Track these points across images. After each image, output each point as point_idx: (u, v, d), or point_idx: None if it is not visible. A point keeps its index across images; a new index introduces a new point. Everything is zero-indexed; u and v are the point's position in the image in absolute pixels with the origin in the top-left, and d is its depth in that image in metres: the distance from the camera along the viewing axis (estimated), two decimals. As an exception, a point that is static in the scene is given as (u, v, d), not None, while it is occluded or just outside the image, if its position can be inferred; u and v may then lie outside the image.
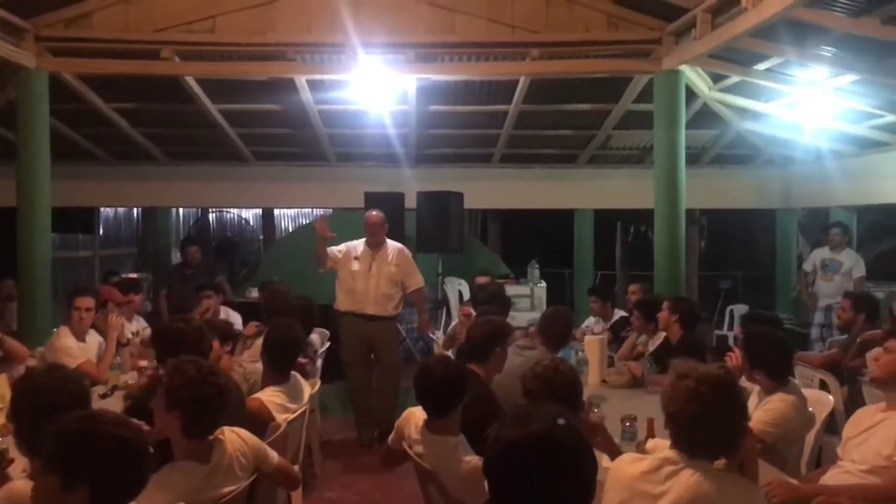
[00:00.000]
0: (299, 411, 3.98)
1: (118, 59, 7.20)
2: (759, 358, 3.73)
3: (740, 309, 11.50)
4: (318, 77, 7.71)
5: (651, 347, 5.87)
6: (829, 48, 6.35)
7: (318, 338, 6.02)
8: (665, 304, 5.48)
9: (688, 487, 2.29)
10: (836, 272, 8.71)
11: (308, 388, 4.28)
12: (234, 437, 2.91)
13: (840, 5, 5.42)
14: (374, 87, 7.92)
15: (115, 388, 4.77)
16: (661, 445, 3.40)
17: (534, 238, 12.83)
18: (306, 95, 8.18)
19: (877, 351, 4.91)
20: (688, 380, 2.36)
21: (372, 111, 8.64)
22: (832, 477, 3.29)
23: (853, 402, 4.87)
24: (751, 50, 6.58)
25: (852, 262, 8.67)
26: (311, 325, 5.75)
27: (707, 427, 2.30)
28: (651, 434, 3.61)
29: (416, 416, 3.38)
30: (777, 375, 3.75)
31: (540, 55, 7.11)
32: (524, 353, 4.44)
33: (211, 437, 2.82)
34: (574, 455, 1.78)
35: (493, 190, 10.32)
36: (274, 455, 3.10)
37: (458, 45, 7.15)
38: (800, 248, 11.44)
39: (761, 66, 7.01)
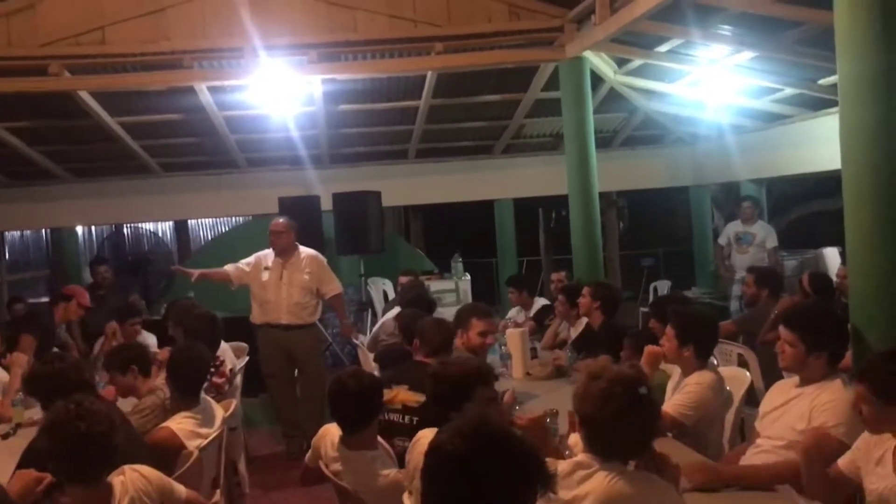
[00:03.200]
0: (213, 435, 3.82)
1: (4, 77, 6.83)
2: (691, 334, 3.75)
3: (663, 285, 11.71)
4: (218, 83, 7.48)
5: (573, 334, 5.88)
6: (726, 27, 6.45)
7: (231, 353, 5.82)
8: (586, 290, 5.48)
9: (603, 489, 2.25)
10: (750, 244, 8.92)
11: (221, 411, 4.11)
12: (135, 477, 2.76)
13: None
14: (279, 90, 7.73)
15: (18, 426, 4.51)
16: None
17: (457, 231, 12.81)
18: (208, 102, 7.93)
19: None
20: (600, 381, 2.32)
21: (278, 114, 8.44)
22: (751, 457, 3.32)
23: (771, 375, 4.96)
24: (651, 33, 6.65)
25: (765, 234, 8.90)
26: (217, 340, 5.56)
27: (621, 429, 2.26)
28: (574, 428, 3.58)
29: (331, 432, 3.28)
30: (705, 352, 3.79)
31: (444, 49, 7.04)
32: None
33: (108, 480, 2.66)
34: (511, 457, 1.79)
35: (410, 186, 10.22)
36: (181, 490, 2.95)
37: (361, 42, 7.03)
38: (715, 223, 11.69)
39: (663, 48, 7.09)
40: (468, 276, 9.65)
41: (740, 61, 7.05)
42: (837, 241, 10.06)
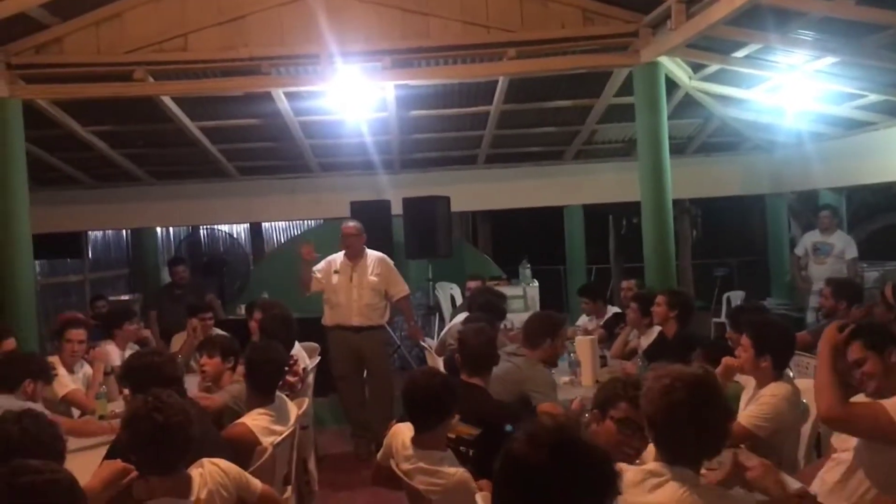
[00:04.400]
0: (287, 432, 3.91)
1: (92, 82, 7.12)
2: (769, 344, 3.69)
3: (736, 295, 11.46)
4: (294, 89, 7.65)
5: (644, 343, 5.82)
6: (806, 32, 6.29)
7: (304, 353, 5.94)
8: (661, 299, 5.42)
9: (674, 502, 2.22)
10: (827, 255, 8.67)
11: (295, 409, 4.20)
12: (213, 470, 2.85)
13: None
14: (353, 96, 7.86)
15: (101, 417, 4.69)
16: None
17: (525, 237, 12.77)
18: (285, 108, 8.11)
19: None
20: (663, 379, 2.30)
21: (352, 120, 8.58)
22: (829, 470, 3.23)
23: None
24: (728, 38, 6.53)
25: (844, 244, 8.63)
26: (292, 340, 5.68)
27: (681, 426, 2.23)
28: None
29: (402, 431, 3.32)
30: (782, 363, 3.74)
31: (517, 54, 7.04)
32: (512, 359, 4.37)
33: (187, 471, 2.75)
34: (589, 468, 1.78)
35: (479, 191, 10.25)
36: (257, 484, 3.03)
37: (434, 49, 7.08)
38: (792, 232, 11.39)
39: (740, 54, 6.96)
40: (536, 283, 9.61)
41: (821, 67, 6.86)
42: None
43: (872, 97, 7.47)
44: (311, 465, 5.56)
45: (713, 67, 7.60)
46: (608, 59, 7.23)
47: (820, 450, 3.95)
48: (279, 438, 3.80)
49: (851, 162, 8.61)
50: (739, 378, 4.01)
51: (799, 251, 8.98)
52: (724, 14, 5.55)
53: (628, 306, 6.31)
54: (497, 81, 7.77)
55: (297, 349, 5.59)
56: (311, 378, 5.83)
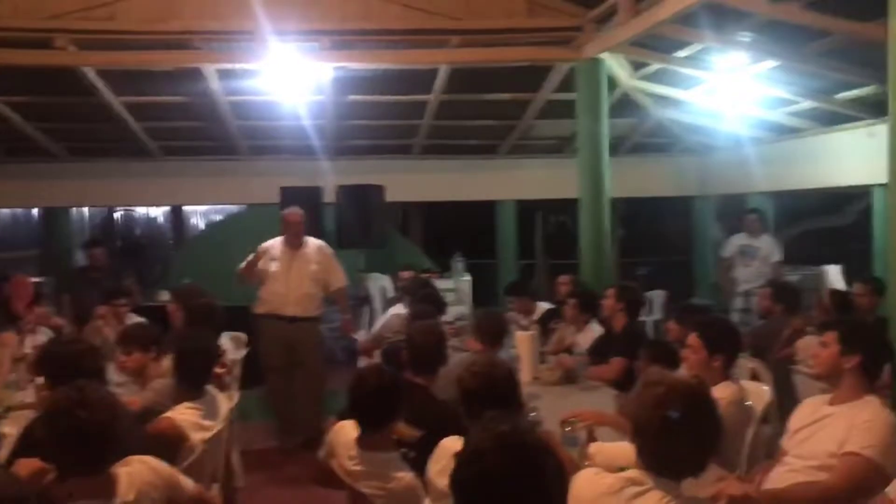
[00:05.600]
0: (217, 428, 3.66)
1: (7, 48, 6.65)
2: (720, 344, 3.65)
3: (658, 295, 11.58)
4: (227, 66, 7.32)
5: (581, 340, 5.76)
6: (749, 34, 6.34)
7: (230, 344, 5.67)
8: (610, 292, 5.37)
9: (657, 513, 2.11)
10: (754, 257, 8.81)
11: (226, 402, 3.96)
12: (142, 469, 2.60)
13: (762, -10, 5.39)
14: (288, 77, 7.57)
15: (8, 409, 4.33)
16: (604, 450, 3.25)
17: (456, 230, 12.67)
18: (215, 86, 7.76)
19: (810, 341, 4.93)
20: (658, 387, 2.19)
21: (286, 102, 8.27)
22: (779, 475, 3.19)
23: (782, 391, 4.85)
24: (672, 37, 6.51)
25: (770, 248, 8.79)
26: (219, 330, 5.40)
27: (675, 438, 2.13)
28: (592, 438, 3.46)
29: (346, 430, 3.14)
30: (732, 363, 3.69)
31: (460, 43, 6.90)
32: (459, 354, 4.23)
33: (112, 471, 2.51)
34: (543, 463, 1.79)
35: (414, 182, 10.06)
36: (189, 484, 2.80)
37: (375, 31, 6.89)
38: (716, 235, 11.57)
39: (682, 53, 6.97)
40: (468, 277, 9.50)
41: (760, 70, 6.93)
42: (838, 258, 10.03)
43: (805, 104, 7.61)
44: (235, 460, 5.29)
45: (653, 67, 7.61)
46: (552, 53, 7.16)
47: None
48: (210, 434, 3.56)
49: (780, 167, 8.77)
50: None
51: (726, 253, 9.11)
52: (673, 12, 5.52)
53: (565, 302, 6.25)
54: (437, 70, 7.60)
55: (223, 339, 5.31)
56: (237, 370, 5.56)
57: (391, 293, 8.80)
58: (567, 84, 7.67)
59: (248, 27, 6.71)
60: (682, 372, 4.15)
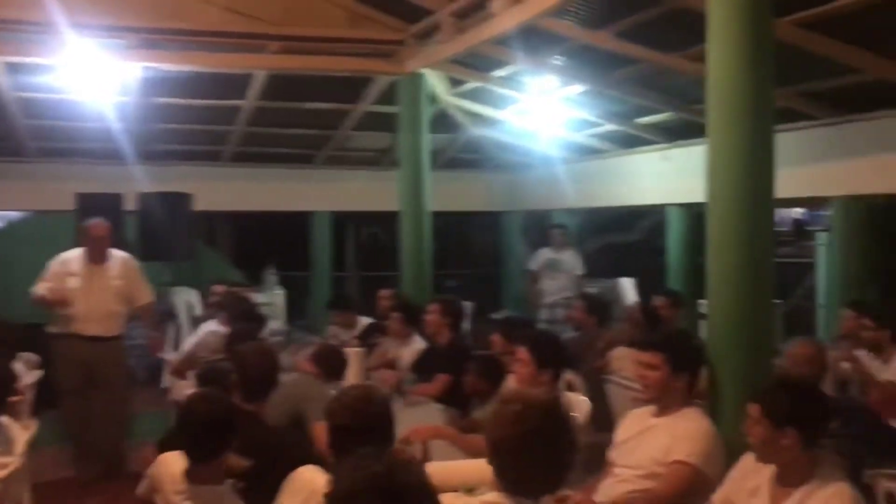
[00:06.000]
0: (14, 464, 3.26)
1: None
2: (550, 357, 3.73)
3: (465, 307, 11.85)
4: (17, 59, 6.63)
5: (405, 354, 5.73)
6: (561, 58, 6.62)
7: (23, 367, 5.12)
8: (434, 307, 5.35)
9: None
10: (559, 271, 9.23)
11: (22, 433, 3.54)
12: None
13: (578, 17, 5.64)
14: (88, 75, 6.97)
15: None
16: (436, 469, 3.22)
17: (267, 242, 12.27)
18: (2, 80, 7.01)
19: (622, 352, 5.20)
20: (514, 404, 2.17)
21: (85, 101, 7.62)
22: (609, 486, 3.30)
23: (596, 402, 5.07)
24: (490, 56, 6.68)
25: (573, 261, 9.25)
26: (12, 351, 4.87)
27: (533, 455, 2.11)
28: (426, 457, 3.44)
29: (171, 462, 2.88)
30: (559, 375, 3.78)
31: (279, 49, 6.69)
32: (285, 374, 4.04)
33: None
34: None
35: (224, 191, 9.61)
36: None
37: (189, 32, 6.52)
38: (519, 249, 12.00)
39: (499, 73, 7.17)
40: (282, 291, 9.23)
41: (570, 94, 7.27)
42: (630, 272, 10.75)
43: (608, 126, 8.07)
44: (26, 496, 4.78)
45: (471, 84, 7.77)
46: (373, 65, 7.12)
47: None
48: (6, 472, 3.16)
49: (584, 186, 9.26)
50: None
51: (533, 266, 9.47)
52: (494, 33, 5.66)
53: (387, 316, 6.21)
54: (252, 75, 7.32)
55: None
56: (30, 395, 5.03)
57: (199, 309, 8.35)
58: (386, 97, 7.65)
59: (43, 18, 6.11)
60: (509, 385, 4.24)
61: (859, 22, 4.65)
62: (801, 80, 5.59)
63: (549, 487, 2.16)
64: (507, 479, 2.14)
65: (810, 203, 8.92)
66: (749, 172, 3.32)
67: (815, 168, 5.95)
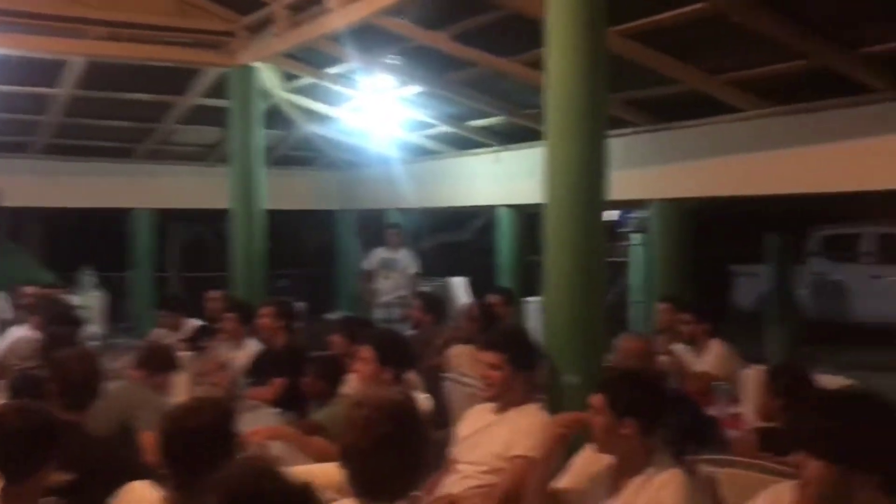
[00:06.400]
0: None
1: None
2: (393, 356, 3.71)
3: (298, 306, 11.63)
4: None
5: (241, 356, 5.52)
6: (397, 58, 6.63)
7: None
8: (267, 310, 5.18)
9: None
10: (394, 270, 9.23)
11: None
12: None
13: (415, 17, 5.66)
14: None
15: None
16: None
17: (84, 240, 11.45)
18: None
19: (461, 349, 5.27)
20: (363, 408, 2.11)
21: None
22: (453, 482, 3.32)
23: (435, 400, 5.11)
24: (325, 52, 6.58)
25: (408, 260, 9.28)
26: None
27: (386, 458, 2.06)
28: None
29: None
30: (403, 374, 3.77)
31: (101, 35, 6.26)
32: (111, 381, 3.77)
33: None
34: None
35: (33, 185, 8.90)
36: None
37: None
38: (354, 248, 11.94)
39: (334, 70, 7.08)
40: (99, 293, 8.65)
41: (405, 94, 7.29)
42: (461, 271, 10.97)
43: (443, 128, 8.17)
44: None
45: (305, 80, 7.62)
46: (202, 56, 6.84)
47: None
48: None
49: (418, 186, 9.34)
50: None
51: (368, 266, 9.42)
52: (334, 28, 5.58)
53: (217, 318, 5.97)
54: (69, 62, 6.81)
55: None
56: None
57: (6, 312, 7.67)
58: (216, 90, 7.36)
59: None
60: (349, 385, 4.18)
61: (678, 35, 4.96)
62: (624, 88, 5.89)
63: (403, 491, 2.12)
64: (360, 484, 2.09)
65: (628, 205, 9.45)
66: (585, 175, 3.44)
67: (636, 172, 6.29)
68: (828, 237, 12.86)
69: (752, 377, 4.10)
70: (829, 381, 4.16)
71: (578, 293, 3.44)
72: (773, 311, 10.07)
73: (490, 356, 3.36)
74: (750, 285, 13.06)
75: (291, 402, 4.60)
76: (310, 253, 15.43)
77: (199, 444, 2.35)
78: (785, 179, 5.68)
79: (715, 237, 11.19)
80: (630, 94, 6.04)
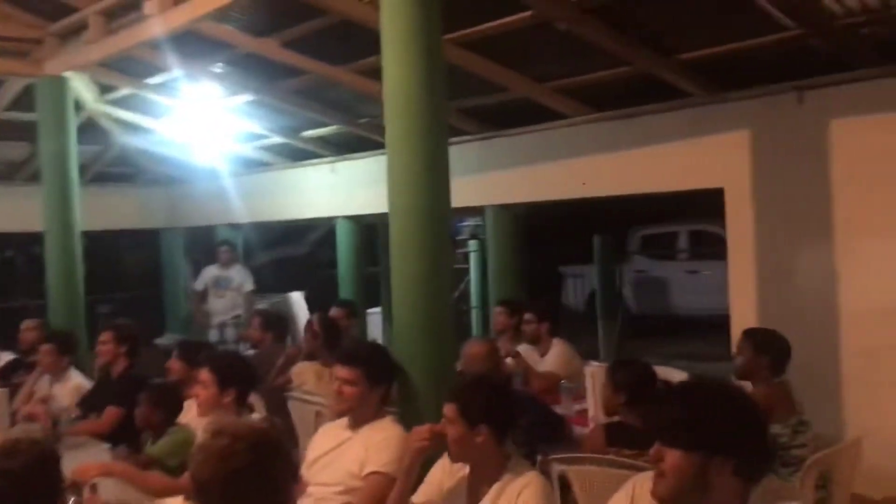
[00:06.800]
0: None
1: None
2: (233, 378, 3.52)
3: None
4: None
5: (58, 391, 5.08)
6: (224, 66, 6.35)
7: None
8: (107, 335, 4.79)
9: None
10: (227, 288, 8.90)
11: None
12: None
13: (242, 23, 5.44)
14: None
15: None
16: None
17: None
18: None
19: (304, 367, 5.11)
20: (222, 438, 1.94)
21: None
22: (310, 504, 3.18)
23: (279, 420, 4.92)
24: (145, 61, 6.21)
25: (242, 278, 8.98)
26: None
27: (246, 491, 1.91)
28: (97, 496, 3.06)
29: None
30: (247, 396, 3.59)
31: None
32: None
33: None
34: None
35: None
36: None
37: None
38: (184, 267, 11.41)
39: (154, 80, 6.70)
40: None
41: (234, 104, 7.02)
42: (299, 285, 10.73)
43: (275, 139, 7.94)
44: None
45: (123, 91, 7.16)
46: (6, 66, 6.24)
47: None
48: None
49: (251, 200, 9.04)
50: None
51: (199, 285, 9.03)
52: (150, 35, 5.25)
53: (33, 350, 5.48)
54: None
55: None
56: None
57: None
58: (23, 102, 6.77)
59: None
60: (189, 412, 3.93)
61: (506, 43, 5.06)
62: (455, 97, 5.95)
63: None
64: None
65: (462, 213, 9.59)
66: (429, 183, 3.41)
67: (469, 180, 6.35)
68: (646, 236, 13.64)
69: (594, 374, 4.21)
70: (665, 373, 4.36)
71: (428, 302, 3.39)
72: (601, 309, 10.53)
73: (346, 371, 3.25)
74: (578, 285, 13.65)
75: (122, 436, 4.28)
76: (134, 275, 14.60)
77: (15, 489, 2.10)
78: (610, 182, 5.94)
79: (545, 240, 11.60)
80: (461, 102, 6.10)
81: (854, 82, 4.42)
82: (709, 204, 5.65)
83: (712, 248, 12.09)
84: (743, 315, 4.91)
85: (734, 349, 4.11)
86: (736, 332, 4.75)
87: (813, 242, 4.61)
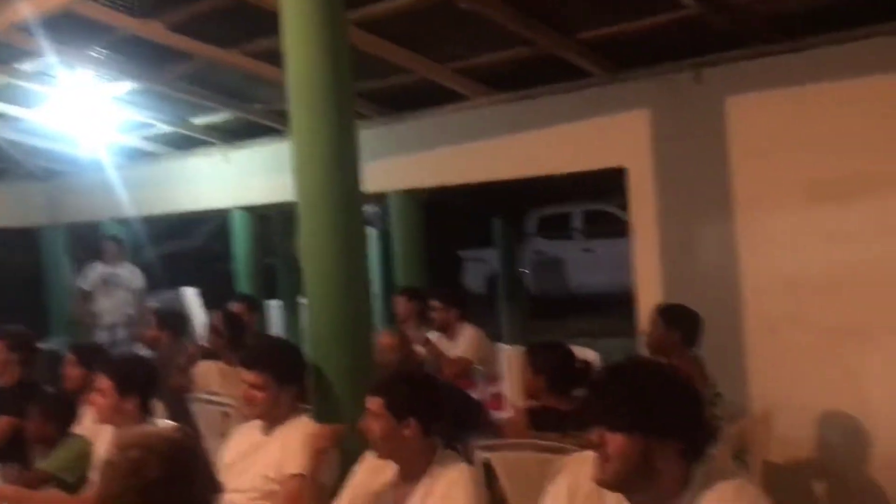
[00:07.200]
0: None
1: None
2: (134, 383, 3.32)
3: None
4: None
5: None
6: (104, 51, 5.96)
7: None
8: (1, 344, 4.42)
9: None
10: (116, 287, 8.52)
11: None
12: None
13: (123, 4, 5.09)
14: None
15: None
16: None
17: None
18: None
19: (206, 367, 4.87)
20: (132, 450, 1.78)
21: None
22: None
23: (182, 423, 4.68)
24: (14, 45, 5.75)
25: (131, 275, 8.61)
26: None
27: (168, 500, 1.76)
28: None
29: None
30: (149, 400, 3.41)
31: None
32: None
33: None
34: None
35: None
36: None
37: None
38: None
39: (26, 66, 6.24)
40: None
41: (116, 92, 6.62)
42: (192, 280, 10.35)
43: (162, 128, 7.56)
44: None
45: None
46: None
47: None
48: None
49: (137, 192, 8.58)
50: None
51: (84, 285, 8.58)
52: (23, 17, 4.87)
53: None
54: None
55: None
56: None
57: None
58: None
59: None
60: (85, 422, 3.69)
61: (406, 23, 4.92)
62: (355, 79, 5.78)
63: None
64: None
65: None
66: (337, 169, 3.25)
67: (371, 165, 6.17)
68: (543, 217, 13.85)
69: (510, 357, 4.17)
70: (577, 352, 4.37)
71: (344, 293, 3.24)
72: (502, 291, 10.60)
73: (252, 376, 3.08)
74: (479, 269, 13.73)
75: (10, 452, 3.97)
76: (9, 276, 13.78)
77: None
78: (510, 165, 5.90)
79: (443, 225, 11.57)
80: (361, 85, 5.93)
81: (750, 59, 4.50)
82: (603, 184, 5.75)
83: (606, 227, 12.41)
84: (648, 291, 4.97)
85: (644, 325, 4.15)
86: (642, 309, 4.82)
87: (714, 218, 4.69)
